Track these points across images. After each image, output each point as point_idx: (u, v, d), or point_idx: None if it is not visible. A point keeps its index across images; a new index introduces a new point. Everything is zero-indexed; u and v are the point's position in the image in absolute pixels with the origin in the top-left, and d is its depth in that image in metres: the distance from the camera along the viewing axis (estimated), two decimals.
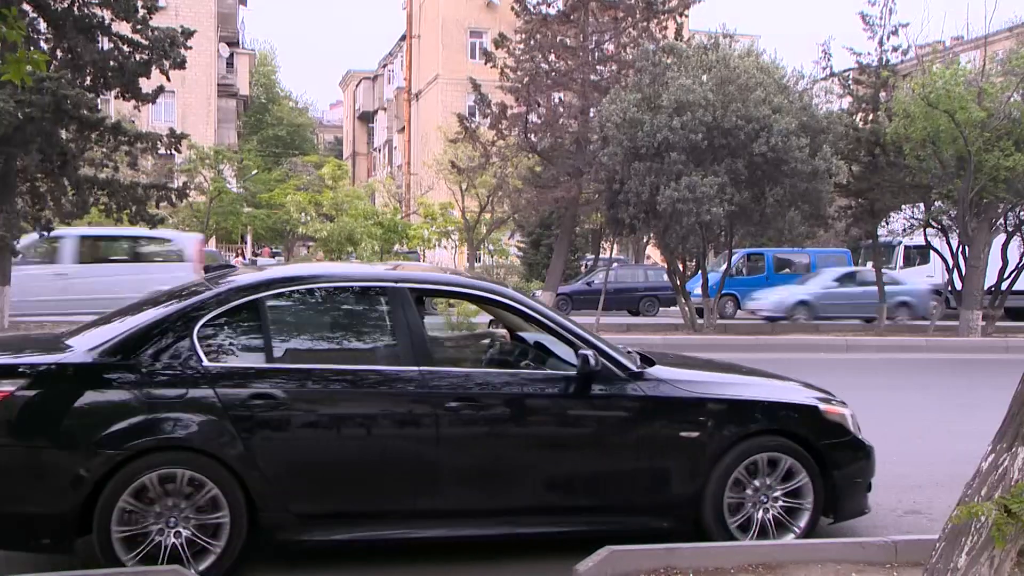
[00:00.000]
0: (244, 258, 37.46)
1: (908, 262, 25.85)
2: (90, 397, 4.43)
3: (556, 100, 24.77)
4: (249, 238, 50.78)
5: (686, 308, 19.76)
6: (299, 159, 47.84)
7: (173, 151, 19.22)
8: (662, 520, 5.03)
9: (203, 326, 4.65)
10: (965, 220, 18.56)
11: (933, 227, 21.21)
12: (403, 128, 56.07)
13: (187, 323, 4.62)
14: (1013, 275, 20.50)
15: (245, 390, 4.55)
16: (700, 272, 20.49)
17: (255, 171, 48.44)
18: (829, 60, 20.67)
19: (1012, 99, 18.07)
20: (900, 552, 4.71)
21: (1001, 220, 20.23)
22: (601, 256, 30.15)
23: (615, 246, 33.78)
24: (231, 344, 4.83)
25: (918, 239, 22.90)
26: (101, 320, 5.08)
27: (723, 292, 21.52)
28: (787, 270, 26.13)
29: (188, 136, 21.10)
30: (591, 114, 22.91)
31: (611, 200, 18.83)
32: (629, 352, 5.32)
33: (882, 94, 20.10)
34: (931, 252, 22.88)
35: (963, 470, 4.95)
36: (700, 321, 19.66)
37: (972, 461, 3.84)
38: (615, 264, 30.34)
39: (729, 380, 5.56)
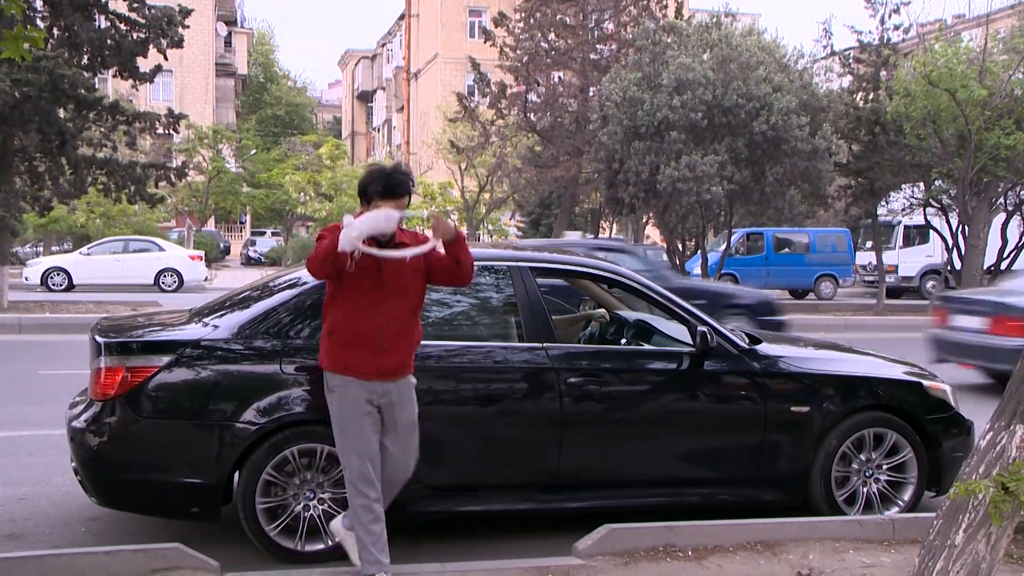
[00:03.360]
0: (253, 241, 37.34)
1: (908, 241, 25.80)
2: (236, 372, 4.54)
3: (555, 79, 24.68)
4: (248, 218, 50.66)
5: None
6: (298, 139, 47.63)
7: (171, 131, 19.16)
8: (773, 492, 5.16)
9: None
10: (965, 199, 18.53)
11: (933, 206, 21.20)
12: (402, 107, 55.84)
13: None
14: (1012, 255, 20.51)
15: None
16: (699, 252, 20.47)
17: (253, 151, 48.25)
18: (830, 38, 20.63)
19: (1014, 77, 18.00)
20: (898, 530, 4.74)
21: (1001, 199, 20.21)
22: (600, 236, 30.14)
23: (614, 225, 33.78)
24: None
25: (918, 218, 22.90)
26: (231, 300, 5.09)
27: (722, 272, 21.51)
28: (787, 250, 26.09)
29: (186, 116, 21.01)
30: (591, 93, 22.84)
31: (610, 179, 18.79)
32: (733, 330, 5.41)
33: (883, 73, 20.01)
34: (931, 231, 22.87)
35: None
36: None
37: None
38: None
39: (835, 357, 5.64)
